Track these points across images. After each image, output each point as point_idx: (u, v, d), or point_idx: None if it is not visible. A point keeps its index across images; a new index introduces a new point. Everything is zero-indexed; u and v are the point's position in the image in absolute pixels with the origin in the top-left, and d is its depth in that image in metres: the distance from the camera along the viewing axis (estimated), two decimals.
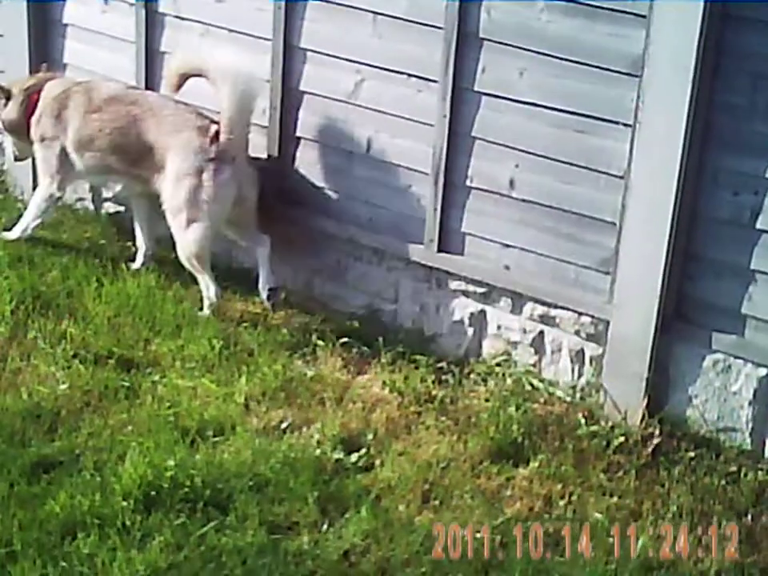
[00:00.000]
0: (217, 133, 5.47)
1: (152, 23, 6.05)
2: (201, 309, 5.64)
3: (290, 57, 5.62)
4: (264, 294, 5.66)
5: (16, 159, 6.50)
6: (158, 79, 6.13)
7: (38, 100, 6.02)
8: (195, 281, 5.68)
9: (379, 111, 5.44)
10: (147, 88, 6.10)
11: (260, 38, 5.68)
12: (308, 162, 5.73)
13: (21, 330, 5.34)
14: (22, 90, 6.12)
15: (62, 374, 5.03)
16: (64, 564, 3.90)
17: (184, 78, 5.64)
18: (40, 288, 5.67)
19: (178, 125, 5.58)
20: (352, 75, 5.46)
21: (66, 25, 6.49)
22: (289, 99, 5.68)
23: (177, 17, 5.97)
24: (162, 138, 5.58)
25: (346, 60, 5.45)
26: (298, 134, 5.71)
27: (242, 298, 5.78)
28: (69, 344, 5.22)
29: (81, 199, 6.66)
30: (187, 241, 5.56)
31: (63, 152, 5.93)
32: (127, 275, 5.83)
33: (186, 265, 5.64)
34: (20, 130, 6.14)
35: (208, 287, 5.62)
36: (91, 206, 6.64)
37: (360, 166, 5.57)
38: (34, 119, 6.03)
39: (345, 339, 5.43)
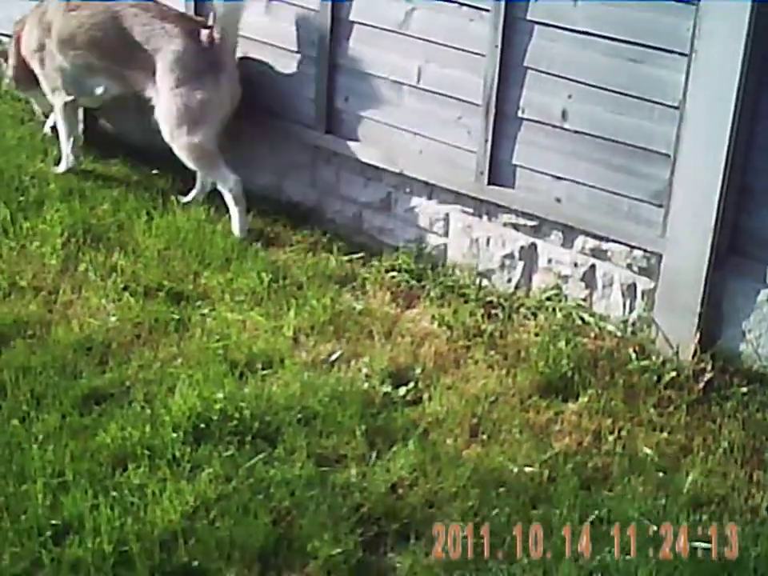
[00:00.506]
0: (209, 37, 5.59)
1: None
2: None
3: None
4: None
5: (46, 120, 6.58)
6: None
7: None
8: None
9: (429, 41, 5.35)
10: None
11: None
12: (357, 93, 5.67)
13: (72, 263, 5.38)
14: (13, 34, 6.27)
15: (113, 307, 5.07)
16: (115, 494, 3.93)
17: None
18: (91, 221, 5.70)
19: (168, 29, 5.66)
20: (402, 5, 5.37)
21: None
22: (338, 29, 5.61)
23: None
24: (152, 39, 5.67)
25: None
26: (347, 64, 5.65)
27: (291, 231, 5.77)
28: (119, 277, 5.25)
29: (130, 133, 6.66)
30: (194, 143, 5.68)
31: (53, 56, 6.01)
32: (177, 209, 5.84)
33: (196, 166, 5.77)
34: (26, 76, 6.24)
35: (226, 179, 5.70)
36: (140, 140, 6.64)
37: (410, 97, 5.50)
38: (23, 40, 6.15)
39: (393, 273, 5.43)
